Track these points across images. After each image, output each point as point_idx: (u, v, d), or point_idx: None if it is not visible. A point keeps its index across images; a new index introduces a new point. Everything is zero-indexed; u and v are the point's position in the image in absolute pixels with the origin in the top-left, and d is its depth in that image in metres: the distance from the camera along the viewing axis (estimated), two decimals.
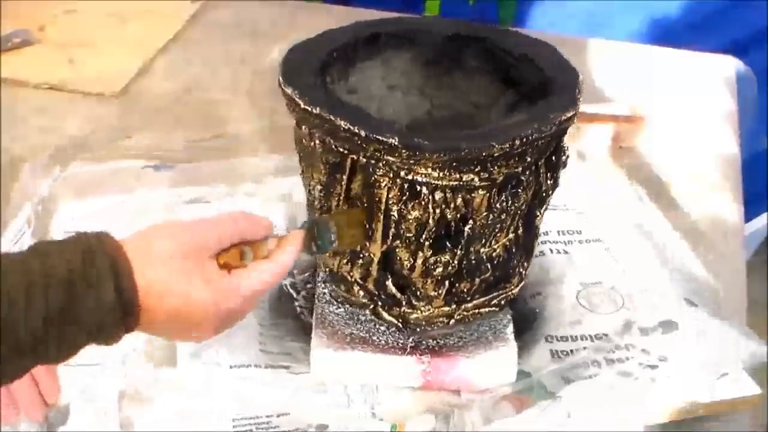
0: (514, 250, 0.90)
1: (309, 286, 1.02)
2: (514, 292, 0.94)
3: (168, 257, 0.68)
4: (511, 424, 0.87)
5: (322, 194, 0.87)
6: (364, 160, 0.81)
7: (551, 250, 1.07)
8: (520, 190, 0.85)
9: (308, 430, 0.87)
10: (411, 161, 0.79)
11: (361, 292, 0.91)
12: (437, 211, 0.82)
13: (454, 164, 0.80)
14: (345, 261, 0.89)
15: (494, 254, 0.88)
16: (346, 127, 0.79)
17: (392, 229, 0.84)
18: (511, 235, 0.88)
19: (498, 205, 0.84)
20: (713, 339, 0.95)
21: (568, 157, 0.89)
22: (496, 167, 0.81)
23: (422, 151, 0.78)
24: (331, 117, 0.80)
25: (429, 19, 1.01)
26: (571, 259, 1.06)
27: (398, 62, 0.96)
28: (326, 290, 0.96)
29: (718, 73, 1.47)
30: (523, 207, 0.87)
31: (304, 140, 0.86)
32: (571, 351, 0.96)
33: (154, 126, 1.32)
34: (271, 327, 0.97)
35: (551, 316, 1.00)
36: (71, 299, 0.63)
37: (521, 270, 0.93)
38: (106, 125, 1.32)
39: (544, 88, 0.88)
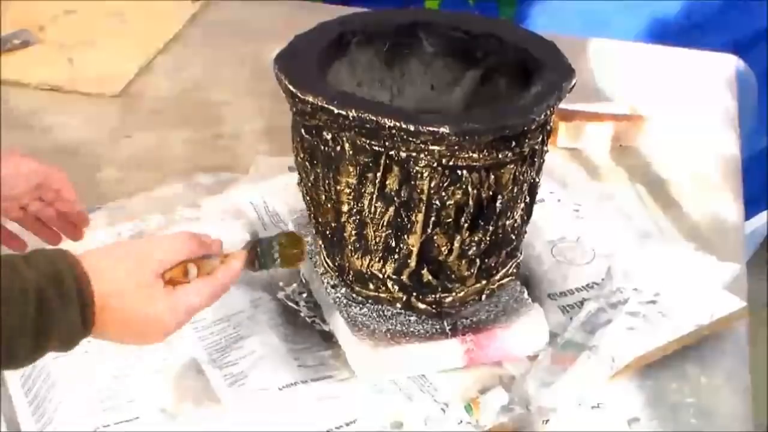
0: (525, 217, 0.93)
1: (304, 296, 1.01)
2: (521, 258, 0.97)
3: (117, 277, 0.74)
4: (566, 381, 0.90)
5: (351, 196, 0.87)
6: (404, 154, 0.82)
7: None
8: (536, 159, 0.89)
9: (385, 430, 0.87)
10: (456, 147, 0.81)
11: (396, 287, 0.91)
12: (474, 192, 0.85)
13: (494, 143, 0.83)
14: (377, 260, 0.90)
15: (515, 224, 0.91)
16: (392, 125, 0.80)
17: (433, 218, 0.85)
18: (523, 204, 0.91)
19: (521, 177, 0.87)
20: (690, 267, 1.03)
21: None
22: (526, 141, 0.85)
23: (473, 135, 0.81)
24: (372, 116, 0.81)
25: (390, 11, 1.03)
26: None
27: (363, 58, 0.98)
28: (339, 294, 0.96)
29: (718, 72, 1.47)
30: (534, 175, 0.90)
31: (324, 147, 0.86)
32: (577, 304, 1.00)
33: (154, 126, 1.32)
34: (295, 341, 0.96)
35: (542, 277, 1.03)
36: (45, 311, 0.69)
37: (524, 236, 0.96)
38: (106, 125, 1.32)
39: (517, 59, 0.92)
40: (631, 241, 1.09)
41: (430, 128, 0.80)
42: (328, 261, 0.96)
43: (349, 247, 0.90)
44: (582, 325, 0.96)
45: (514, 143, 0.84)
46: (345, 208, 0.88)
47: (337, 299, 0.96)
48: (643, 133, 1.29)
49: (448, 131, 0.80)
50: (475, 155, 0.83)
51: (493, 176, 0.85)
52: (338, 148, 0.85)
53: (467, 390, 0.90)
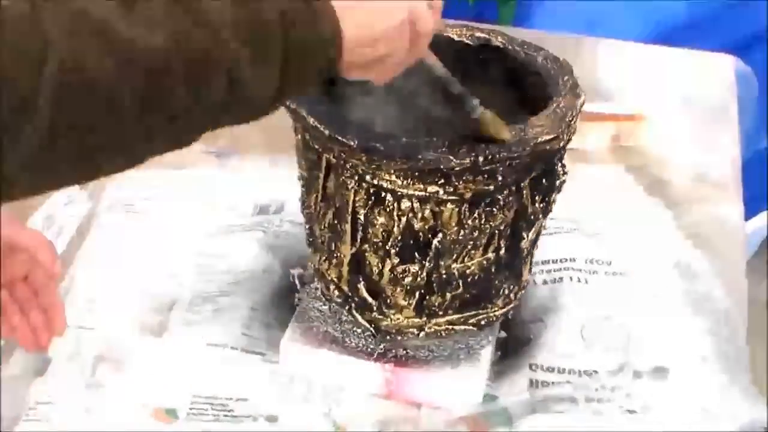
0: (494, 270, 0.87)
1: (309, 282, 1.02)
2: (497, 314, 0.91)
3: None
4: None
5: (303, 189, 0.88)
6: (334, 160, 0.82)
7: (570, 278, 1.04)
8: (495, 210, 0.82)
9: (258, 419, 0.88)
10: (372, 165, 0.79)
11: (336, 292, 0.90)
12: (403, 219, 0.81)
13: (417, 174, 0.79)
14: (324, 258, 0.89)
15: (468, 272, 0.86)
16: (314, 125, 0.79)
17: (360, 233, 0.84)
18: (490, 255, 0.85)
19: (469, 222, 0.82)
20: (708, 395, 0.92)
21: (563, 181, 0.87)
22: (461, 182, 0.79)
23: (379, 156, 0.78)
24: (304, 113, 0.80)
25: (459, 26, 0.95)
26: (588, 289, 1.03)
27: None
28: (317, 286, 0.96)
29: (718, 72, 1.47)
30: (503, 227, 0.84)
31: (296, 134, 0.87)
32: (552, 383, 0.93)
33: None
34: (263, 313, 0.99)
35: (544, 345, 0.97)
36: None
37: (507, 292, 0.90)
38: None
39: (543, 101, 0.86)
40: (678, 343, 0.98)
41: (339, 137, 0.78)
42: None
43: (307, 239, 0.92)
44: (529, 404, 0.90)
45: (442, 180, 0.79)
46: (302, 197, 0.89)
47: (313, 291, 0.96)
48: (643, 133, 1.29)
49: (354, 145, 0.78)
50: (399, 181, 0.80)
51: (429, 210, 0.81)
52: (298, 136, 0.86)
53: (368, 417, 0.89)
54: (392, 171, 0.79)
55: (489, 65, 0.93)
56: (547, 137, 0.80)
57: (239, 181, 1.18)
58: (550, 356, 0.95)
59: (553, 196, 0.87)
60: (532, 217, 0.86)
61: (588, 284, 1.03)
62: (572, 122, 0.83)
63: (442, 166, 0.77)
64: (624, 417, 0.89)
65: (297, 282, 1.02)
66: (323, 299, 0.94)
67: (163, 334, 0.96)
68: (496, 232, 0.84)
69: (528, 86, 0.91)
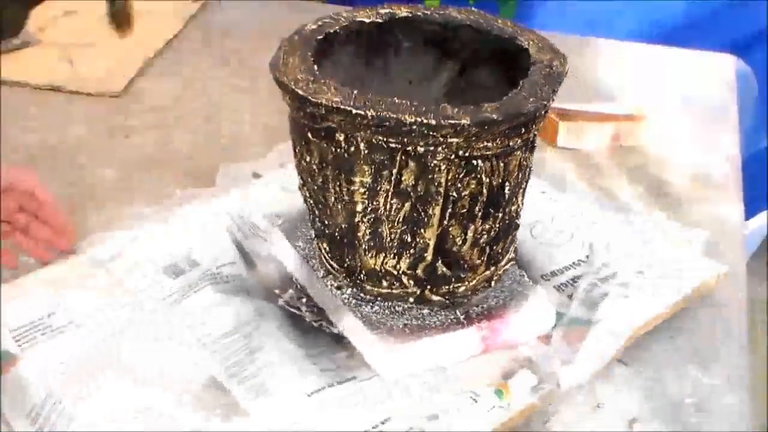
0: (523, 201, 0.94)
1: (304, 300, 0.99)
2: (517, 241, 0.98)
3: None
4: (586, 355, 0.92)
5: (365, 196, 0.86)
6: (422, 149, 0.82)
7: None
8: (535, 144, 0.90)
9: (421, 424, 0.86)
10: (473, 138, 0.81)
11: (410, 281, 0.91)
12: (487, 180, 0.85)
13: (506, 131, 0.83)
14: (392, 256, 0.89)
15: (518, 210, 0.92)
16: (412, 120, 0.80)
17: (449, 210, 0.86)
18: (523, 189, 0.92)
19: (525, 163, 0.88)
20: (667, 237, 1.08)
21: None
22: (533, 125, 0.85)
23: (491, 123, 0.81)
24: (392, 114, 0.80)
25: (369, 9, 0.97)
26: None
27: (345, 58, 0.96)
28: (347, 294, 0.95)
29: (718, 72, 1.47)
30: (532, 161, 0.91)
31: (336, 148, 0.85)
32: (569, 282, 1.01)
33: (153, 126, 1.32)
34: (302, 348, 0.93)
35: (527, 259, 1.04)
36: None
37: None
38: (106, 125, 1.32)
39: (498, 48, 0.93)
40: (609, 216, 1.11)
41: (452, 121, 0.80)
42: (333, 263, 0.95)
43: (363, 246, 0.90)
44: (582, 302, 0.98)
45: (523, 130, 0.84)
46: (359, 207, 0.87)
47: (346, 300, 0.95)
48: (643, 133, 1.29)
49: (468, 122, 0.80)
50: (489, 144, 0.83)
51: (502, 164, 0.85)
52: (352, 148, 0.84)
53: (488, 376, 0.90)
54: (490, 136, 0.82)
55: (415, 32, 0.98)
56: (566, 65, 0.89)
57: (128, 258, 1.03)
58: (542, 263, 1.04)
59: None
60: (534, 142, 0.92)
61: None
62: (556, 48, 0.92)
63: (537, 113, 0.83)
64: (642, 279, 1.00)
65: (290, 308, 0.99)
66: (364, 302, 0.94)
67: (250, 413, 0.86)
68: (531, 165, 0.91)
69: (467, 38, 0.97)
